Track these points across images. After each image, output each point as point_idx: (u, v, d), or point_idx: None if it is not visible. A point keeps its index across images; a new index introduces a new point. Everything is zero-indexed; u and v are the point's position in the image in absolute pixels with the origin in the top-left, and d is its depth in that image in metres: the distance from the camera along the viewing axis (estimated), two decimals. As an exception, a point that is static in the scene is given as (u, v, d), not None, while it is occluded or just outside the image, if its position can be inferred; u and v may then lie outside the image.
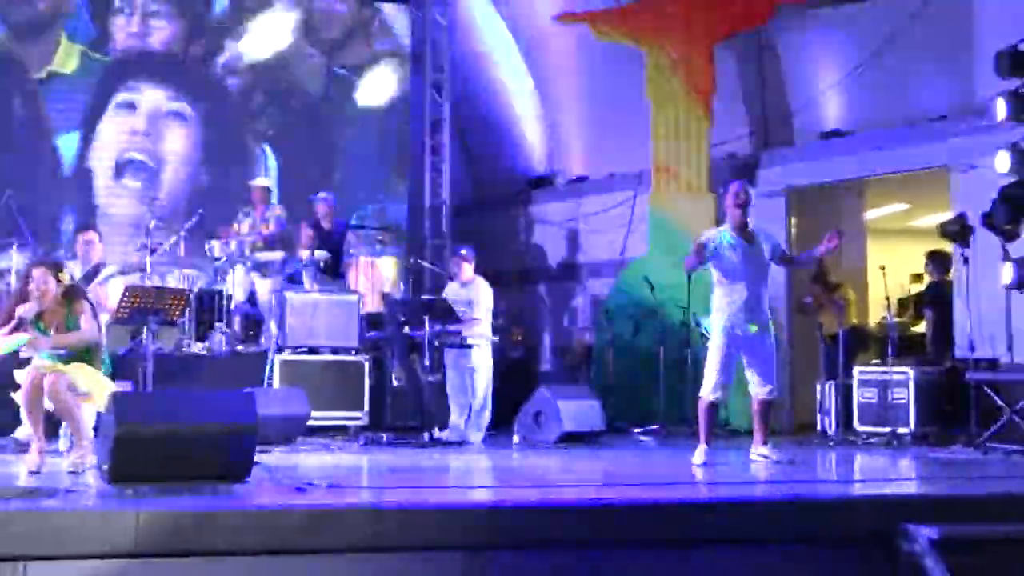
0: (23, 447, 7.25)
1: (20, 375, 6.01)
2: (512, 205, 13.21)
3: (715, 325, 6.81)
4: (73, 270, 7.49)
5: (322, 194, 10.59)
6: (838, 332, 9.25)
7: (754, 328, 6.70)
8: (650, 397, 10.02)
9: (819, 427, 9.45)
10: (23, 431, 7.42)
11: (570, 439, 8.47)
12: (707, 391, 6.75)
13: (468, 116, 12.80)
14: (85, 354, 6.02)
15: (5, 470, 5.91)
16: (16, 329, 5.92)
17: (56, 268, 6.15)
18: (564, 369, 12.13)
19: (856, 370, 9.17)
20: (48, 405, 5.84)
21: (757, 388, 6.81)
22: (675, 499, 5.18)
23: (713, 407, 6.82)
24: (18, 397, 5.98)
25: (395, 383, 9.39)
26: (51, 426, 6.21)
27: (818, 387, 9.52)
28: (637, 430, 9.75)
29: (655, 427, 9.73)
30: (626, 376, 10.46)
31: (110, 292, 8.19)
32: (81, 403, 5.84)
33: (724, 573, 4.70)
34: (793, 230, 10.67)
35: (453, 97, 12.50)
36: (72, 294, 6.13)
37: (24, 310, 5.90)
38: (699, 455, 6.74)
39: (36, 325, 5.99)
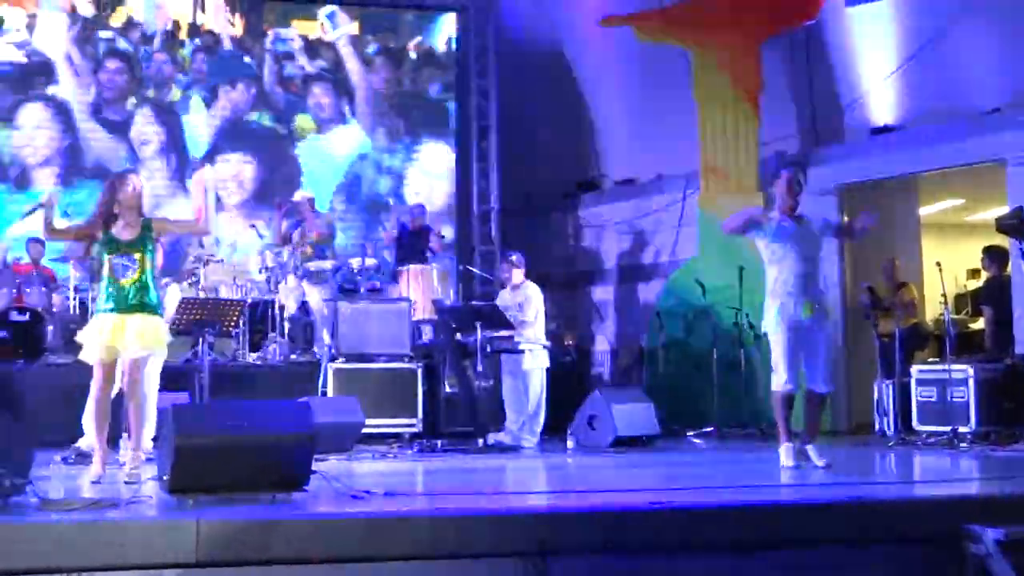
0: (85, 457, 7.36)
1: (85, 336, 5.98)
2: (561, 209, 13.18)
3: (769, 312, 6.62)
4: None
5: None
6: (894, 331, 9.11)
7: (807, 311, 6.44)
8: (703, 399, 9.97)
9: (877, 427, 9.32)
10: (85, 441, 7.54)
11: (624, 443, 8.43)
12: (778, 383, 6.49)
13: (515, 121, 12.79)
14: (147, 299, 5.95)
15: (68, 482, 5.98)
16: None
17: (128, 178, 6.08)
18: (617, 372, 12.09)
19: (914, 369, 9.03)
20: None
21: (811, 381, 6.65)
22: (737, 502, 5.12)
23: (787, 399, 6.52)
24: (88, 356, 5.97)
25: (448, 390, 9.39)
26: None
27: (875, 387, 9.40)
28: (691, 433, 9.69)
29: (709, 429, 9.67)
30: (679, 378, 10.42)
31: (167, 300, 8.31)
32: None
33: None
34: (845, 227, 10.54)
35: (499, 102, 12.52)
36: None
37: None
38: (786, 456, 6.48)
39: (113, 242, 5.91)
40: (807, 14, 10.49)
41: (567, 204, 13.15)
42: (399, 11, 12.67)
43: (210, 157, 11.91)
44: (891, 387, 9.12)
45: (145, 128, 11.69)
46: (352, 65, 12.37)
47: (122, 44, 11.66)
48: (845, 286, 10.36)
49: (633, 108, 12.44)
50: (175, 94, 11.91)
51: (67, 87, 11.54)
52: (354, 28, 12.37)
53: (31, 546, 4.19)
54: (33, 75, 11.51)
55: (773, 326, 6.55)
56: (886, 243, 10.17)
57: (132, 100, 11.71)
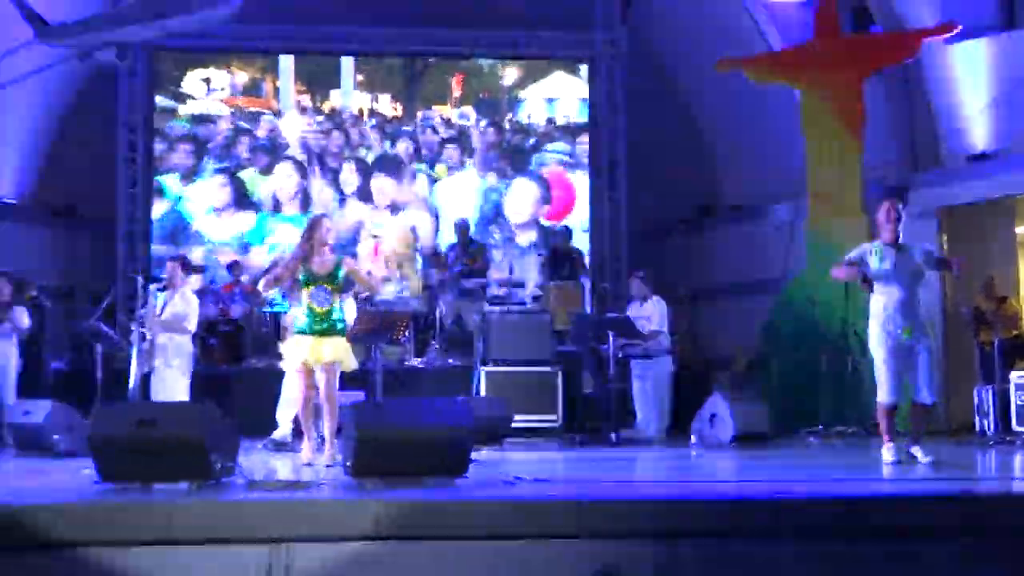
0: (280, 446, 7.62)
1: (287, 348, 6.31)
2: (682, 231, 13.04)
3: (872, 331, 6.47)
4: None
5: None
6: (994, 340, 8.72)
7: (907, 334, 6.26)
8: (812, 401, 9.67)
9: (977, 428, 8.91)
10: (279, 432, 7.79)
11: (742, 439, 8.26)
12: (882, 396, 6.33)
13: (642, 153, 12.74)
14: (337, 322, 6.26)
15: (267, 466, 6.20)
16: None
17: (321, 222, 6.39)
18: (733, 378, 11.85)
19: (1013, 375, 8.61)
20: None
21: (914, 393, 6.44)
22: (846, 493, 4.97)
23: (890, 410, 6.35)
24: (286, 351, 6.30)
25: (585, 391, 9.39)
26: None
27: (975, 392, 9.00)
28: (803, 431, 9.41)
29: (818, 428, 9.39)
30: (790, 382, 10.12)
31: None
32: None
33: (897, 561, 4.47)
34: (945, 247, 10.13)
35: (629, 137, 12.49)
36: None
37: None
38: (887, 453, 6.29)
39: (311, 276, 6.19)
40: (908, 53, 10.13)
41: (688, 227, 13.00)
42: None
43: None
44: (991, 392, 8.73)
45: (349, 176, 12.54)
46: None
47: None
48: (946, 299, 9.94)
49: (745, 140, 12.25)
50: (366, 154, 12.71)
51: (295, 148, 12.62)
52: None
53: (238, 520, 4.32)
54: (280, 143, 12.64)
55: (876, 345, 6.38)
56: (985, 261, 9.74)
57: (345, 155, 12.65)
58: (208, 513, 4.36)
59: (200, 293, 9.46)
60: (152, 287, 8.45)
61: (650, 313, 8.83)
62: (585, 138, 12.73)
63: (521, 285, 10.92)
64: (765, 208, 11.85)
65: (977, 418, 8.95)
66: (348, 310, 8.69)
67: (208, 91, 12.48)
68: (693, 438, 8.61)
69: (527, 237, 12.56)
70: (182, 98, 12.44)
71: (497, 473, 5.52)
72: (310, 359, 6.18)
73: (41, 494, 5.11)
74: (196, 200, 12.38)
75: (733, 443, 8.20)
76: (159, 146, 12.35)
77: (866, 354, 6.83)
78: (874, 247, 6.49)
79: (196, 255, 11.81)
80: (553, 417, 9.08)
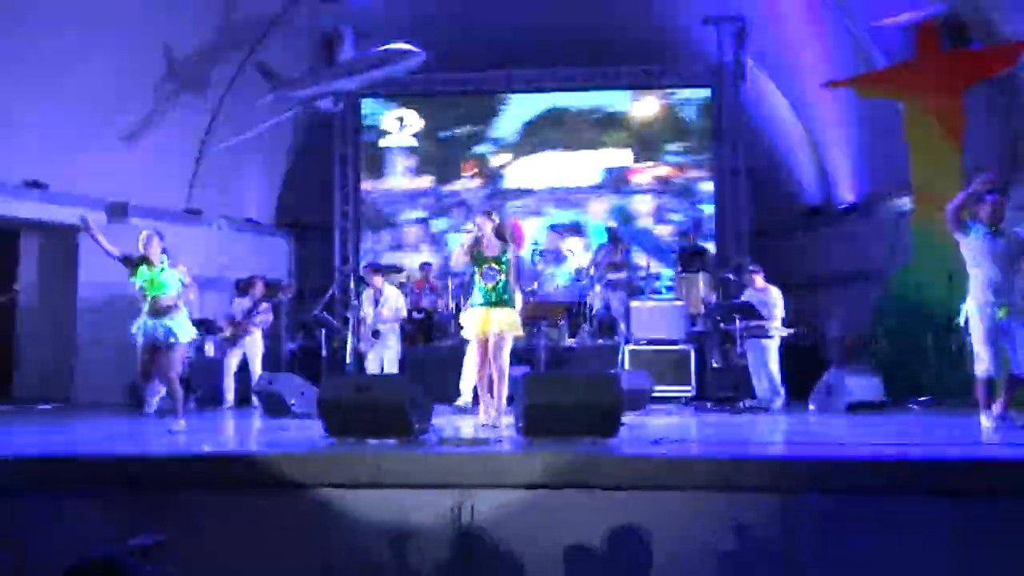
0: (462, 411, 7.74)
1: (465, 319, 6.24)
2: (795, 227, 12.46)
3: (969, 309, 5.91)
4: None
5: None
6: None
7: (1002, 313, 5.70)
8: (920, 375, 9.05)
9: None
10: (462, 400, 7.92)
11: (857, 407, 7.81)
12: (980, 370, 5.80)
13: (758, 160, 12.26)
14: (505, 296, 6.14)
15: (455, 426, 6.30)
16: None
17: (489, 214, 6.31)
18: (846, 354, 11.23)
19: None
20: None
21: (1014, 366, 5.81)
22: (952, 456, 4.61)
23: (987, 383, 5.81)
24: (467, 335, 6.24)
25: (714, 365, 9.12)
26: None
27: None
28: (910, 402, 8.81)
29: (926, 399, 8.77)
30: (897, 360, 9.50)
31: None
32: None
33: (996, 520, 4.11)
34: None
35: (745, 149, 12.04)
36: (502, 231, 6.26)
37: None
38: (985, 421, 5.81)
39: (482, 257, 6.13)
40: (1007, 63, 9.28)
41: (801, 223, 12.41)
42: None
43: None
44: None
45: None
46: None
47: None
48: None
49: (854, 145, 11.57)
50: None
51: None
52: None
53: (433, 469, 4.42)
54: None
55: (975, 322, 5.83)
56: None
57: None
58: (409, 463, 4.46)
59: (398, 287, 9.74)
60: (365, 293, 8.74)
61: (766, 299, 8.48)
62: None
63: (658, 277, 10.71)
64: (875, 206, 11.14)
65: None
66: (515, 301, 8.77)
67: (400, 127, 12.85)
68: (811, 406, 8.22)
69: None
70: (382, 134, 12.84)
71: (643, 434, 5.42)
72: (483, 329, 6.09)
73: (283, 445, 5.37)
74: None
75: (848, 411, 7.78)
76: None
77: (967, 333, 6.30)
78: (977, 225, 5.95)
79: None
80: (688, 387, 8.89)
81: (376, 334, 8.42)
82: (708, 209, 12.26)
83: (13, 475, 4.52)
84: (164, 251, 6.26)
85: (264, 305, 9.26)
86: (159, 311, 6.13)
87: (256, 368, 9.05)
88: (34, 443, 5.47)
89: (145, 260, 6.18)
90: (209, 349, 9.71)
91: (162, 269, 6.21)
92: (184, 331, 6.24)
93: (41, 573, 3.67)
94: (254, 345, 9.12)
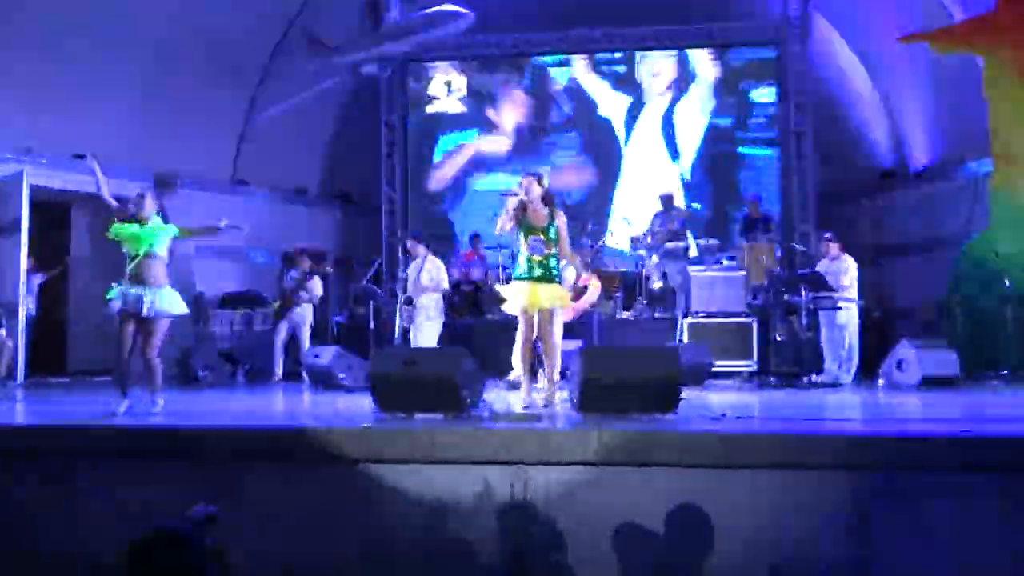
0: (513, 386, 7.72)
1: (507, 291, 5.94)
2: (870, 192, 12.12)
3: None
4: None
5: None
6: None
7: None
8: (996, 349, 8.79)
9: None
10: (514, 374, 7.87)
11: (929, 383, 7.62)
12: None
13: (826, 122, 11.93)
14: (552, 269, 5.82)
15: (507, 401, 6.31)
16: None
17: (538, 177, 5.91)
18: (919, 326, 10.95)
19: None
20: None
21: None
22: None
23: None
24: (510, 309, 5.90)
25: (778, 338, 8.97)
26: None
27: None
28: (988, 376, 8.57)
29: (1004, 373, 8.52)
30: (974, 332, 9.24)
31: (565, 275, 8.56)
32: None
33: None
34: None
35: (813, 110, 11.72)
36: (550, 197, 5.86)
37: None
38: None
39: (528, 226, 5.78)
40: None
41: (873, 188, 12.07)
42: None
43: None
44: None
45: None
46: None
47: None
48: None
49: (929, 105, 11.17)
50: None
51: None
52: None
53: (484, 445, 4.42)
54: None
55: None
56: None
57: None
58: (462, 438, 4.49)
59: (446, 259, 9.77)
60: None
61: (839, 269, 8.29)
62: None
63: (720, 247, 10.54)
64: (952, 169, 10.78)
65: None
66: (568, 274, 8.72)
67: (448, 92, 12.80)
68: (881, 381, 8.05)
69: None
70: (429, 99, 12.82)
71: (704, 410, 5.36)
72: (528, 304, 5.76)
73: (335, 420, 5.45)
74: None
75: (920, 386, 7.60)
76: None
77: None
78: None
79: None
80: (749, 362, 8.76)
81: (409, 301, 8.28)
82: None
83: (98, 442, 4.72)
84: (160, 213, 5.91)
85: (314, 280, 9.38)
86: (141, 278, 5.71)
87: (305, 341, 9.19)
88: (95, 414, 5.61)
89: (137, 220, 5.81)
90: (256, 323, 9.91)
91: (152, 227, 5.81)
92: (169, 303, 5.77)
93: (104, 536, 3.82)
94: (303, 318, 9.26)
